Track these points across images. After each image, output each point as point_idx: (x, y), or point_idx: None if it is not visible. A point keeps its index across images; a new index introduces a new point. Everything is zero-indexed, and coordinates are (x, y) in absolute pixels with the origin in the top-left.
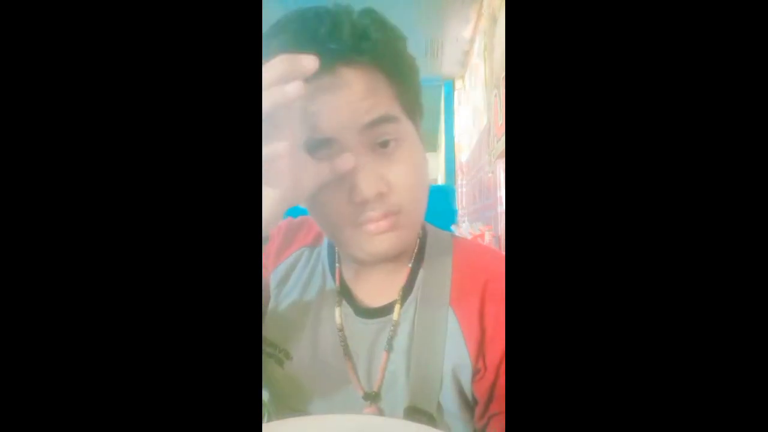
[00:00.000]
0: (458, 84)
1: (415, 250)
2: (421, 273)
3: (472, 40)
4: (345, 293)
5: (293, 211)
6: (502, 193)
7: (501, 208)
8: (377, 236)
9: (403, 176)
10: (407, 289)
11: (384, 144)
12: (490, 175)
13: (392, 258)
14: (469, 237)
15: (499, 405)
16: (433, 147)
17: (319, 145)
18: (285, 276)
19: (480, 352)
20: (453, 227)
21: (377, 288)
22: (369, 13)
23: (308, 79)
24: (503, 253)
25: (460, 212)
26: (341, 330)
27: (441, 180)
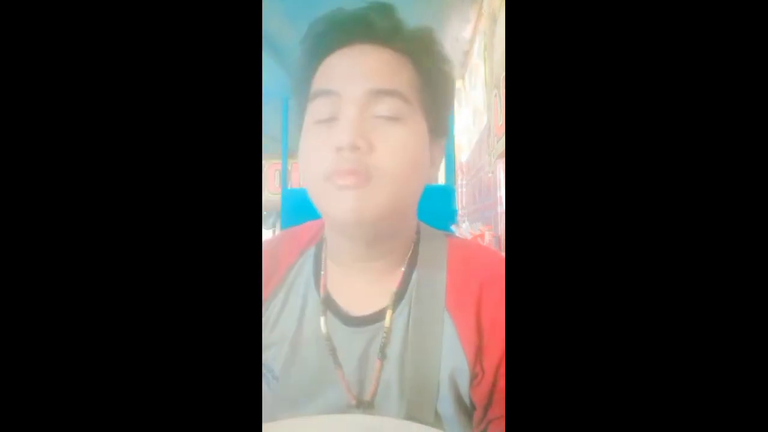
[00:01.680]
0: (458, 84)
1: (409, 253)
2: (415, 275)
3: (472, 40)
4: (329, 303)
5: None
6: (502, 193)
7: (501, 208)
8: (343, 192)
9: (388, 146)
10: (400, 294)
11: (384, 117)
12: (490, 175)
13: (358, 224)
14: (469, 237)
15: (499, 409)
16: None
17: (319, 95)
18: (276, 318)
19: (478, 356)
20: (453, 227)
21: (364, 295)
22: (391, 11)
23: (342, 45)
24: (500, 252)
25: (460, 212)
26: (328, 339)
27: (441, 180)
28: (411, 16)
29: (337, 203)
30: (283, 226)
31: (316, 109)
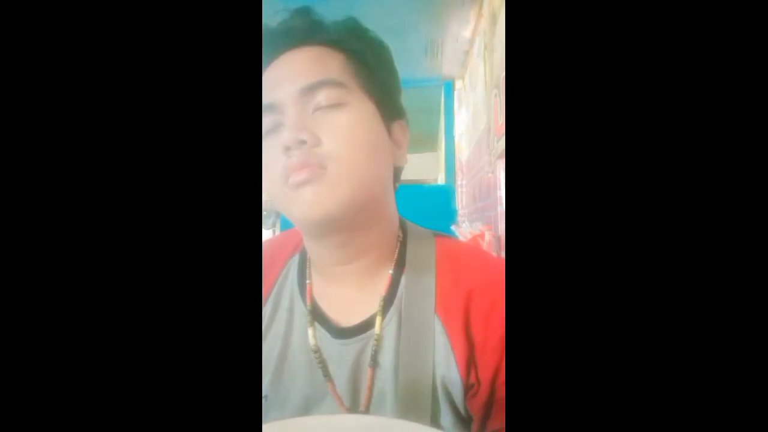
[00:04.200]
0: (458, 84)
1: (396, 254)
2: (404, 280)
3: (472, 40)
4: (317, 314)
5: None
6: (502, 193)
7: (501, 208)
8: (300, 189)
9: (334, 133)
10: (389, 299)
11: (325, 107)
12: (490, 175)
13: (322, 218)
14: (469, 237)
15: (499, 422)
16: (433, 147)
17: (264, 111)
18: (264, 332)
19: (471, 366)
20: (453, 227)
21: (351, 303)
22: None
23: (272, 58)
24: (492, 255)
25: (460, 212)
26: (317, 352)
27: (441, 180)
28: (411, 17)
29: (297, 201)
30: (283, 227)
31: (264, 123)
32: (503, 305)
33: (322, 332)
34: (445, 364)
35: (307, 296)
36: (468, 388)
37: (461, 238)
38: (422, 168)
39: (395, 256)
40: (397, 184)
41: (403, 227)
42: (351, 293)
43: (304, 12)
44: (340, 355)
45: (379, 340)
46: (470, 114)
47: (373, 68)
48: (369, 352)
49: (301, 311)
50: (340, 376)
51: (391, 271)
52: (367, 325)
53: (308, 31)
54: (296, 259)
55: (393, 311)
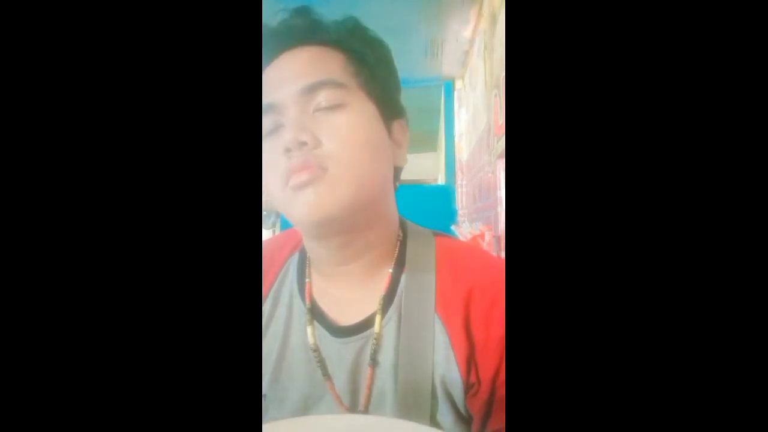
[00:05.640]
0: (458, 84)
1: (396, 253)
2: (404, 279)
3: (472, 40)
4: (316, 312)
5: None
6: (502, 193)
7: (501, 208)
8: (301, 191)
9: (335, 134)
10: (388, 298)
11: (325, 108)
12: (490, 175)
13: (323, 219)
14: (469, 237)
15: (499, 421)
16: (433, 147)
17: (264, 111)
18: (263, 331)
19: (471, 365)
20: (453, 227)
21: (351, 302)
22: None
23: (272, 58)
24: (493, 255)
25: (460, 212)
26: (316, 351)
27: (441, 180)
28: (411, 17)
29: (298, 203)
30: (283, 227)
31: (264, 124)
32: (503, 304)
33: (322, 331)
34: (445, 364)
35: (306, 295)
36: (468, 388)
37: (461, 238)
38: (422, 168)
39: (395, 255)
40: (397, 184)
41: (403, 227)
42: (350, 292)
43: (304, 12)
44: (339, 354)
45: (378, 338)
46: (470, 114)
47: (373, 68)
48: (368, 351)
49: (300, 310)
50: (340, 375)
51: (391, 270)
52: (366, 324)
53: (308, 30)
54: (296, 258)
55: (393, 310)
